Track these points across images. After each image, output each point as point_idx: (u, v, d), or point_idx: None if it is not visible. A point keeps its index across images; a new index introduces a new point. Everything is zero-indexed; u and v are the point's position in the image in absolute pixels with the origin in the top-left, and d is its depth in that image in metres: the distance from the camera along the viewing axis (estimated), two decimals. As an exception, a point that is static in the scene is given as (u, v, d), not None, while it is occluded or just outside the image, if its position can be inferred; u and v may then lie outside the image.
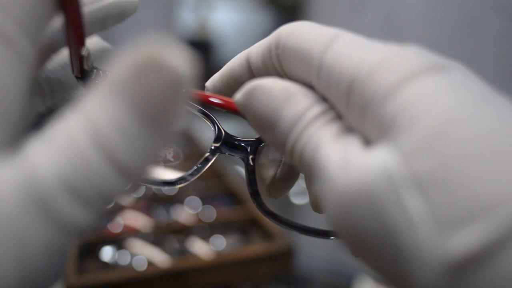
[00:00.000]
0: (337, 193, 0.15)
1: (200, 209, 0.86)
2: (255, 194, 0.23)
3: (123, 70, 0.13)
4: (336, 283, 0.77)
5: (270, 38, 0.20)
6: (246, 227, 0.81)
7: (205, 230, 0.80)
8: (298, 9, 1.43)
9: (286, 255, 0.72)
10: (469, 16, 1.08)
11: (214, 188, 0.93)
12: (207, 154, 0.23)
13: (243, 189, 0.89)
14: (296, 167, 0.19)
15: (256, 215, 0.79)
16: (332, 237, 0.22)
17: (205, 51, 2.47)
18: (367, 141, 0.16)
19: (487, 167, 0.13)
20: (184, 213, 0.85)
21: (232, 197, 0.92)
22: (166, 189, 0.88)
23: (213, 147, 0.23)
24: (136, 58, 0.13)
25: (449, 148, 0.13)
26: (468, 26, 1.08)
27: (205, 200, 0.89)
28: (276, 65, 0.20)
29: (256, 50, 0.21)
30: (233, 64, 0.22)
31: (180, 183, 0.23)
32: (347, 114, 0.17)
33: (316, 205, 0.23)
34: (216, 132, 0.23)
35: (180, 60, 0.13)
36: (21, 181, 0.12)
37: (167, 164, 0.24)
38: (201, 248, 0.75)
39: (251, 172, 0.23)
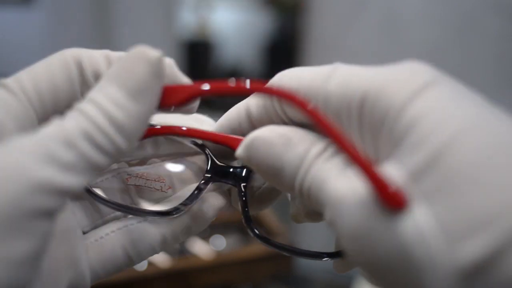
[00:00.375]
0: (352, 225, 0.16)
1: (200, 209, 0.86)
2: (247, 220, 0.24)
3: (115, 65, 0.18)
4: (336, 283, 0.77)
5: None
6: (246, 227, 0.81)
7: (205, 230, 0.80)
8: (298, 9, 1.43)
9: (286, 255, 0.72)
10: (469, 16, 1.08)
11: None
12: (201, 183, 0.24)
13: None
14: (306, 202, 0.20)
15: (256, 215, 0.79)
16: (325, 259, 0.23)
17: (205, 51, 2.47)
18: (379, 160, 0.17)
19: (488, 180, 0.14)
20: (184, 213, 0.85)
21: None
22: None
23: (205, 177, 0.24)
24: (123, 57, 0.18)
25: (453, 164, 0.15)
26: (468, 26, 1.08)
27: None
28: (278, 111, 0.21)
29: (256, 99, 0.22)
30: (230, 115, 0.23)
31: (176, 213, 0.23)
32: (360, 137, 0.18)
33: (297, 218, 0.25)
34: (209, 162, 0.24)
35: (153, 52, 0.18)
36: (50, 134, 0.16)
37: (162, 195, 0.25)
38: (201, 248, 0.75)
39: (243, 198, 0.24)
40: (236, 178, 0.24)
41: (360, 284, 0.71)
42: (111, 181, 0.24)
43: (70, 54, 0.21)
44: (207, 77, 1.91)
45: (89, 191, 0.23)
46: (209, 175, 0.24)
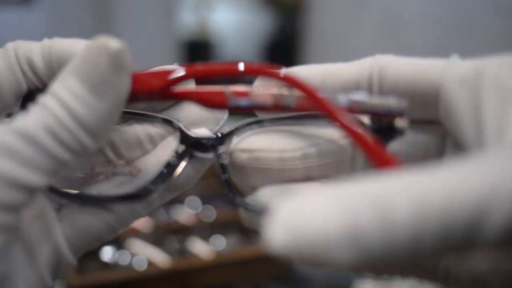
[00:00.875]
0: None
1: (200, 209, 0.86)
2: (231, 190, 0.21)
3: (77, 56, 0.17)
4: (336, 283, 0.77)
5: None
6: (246, 227, 0.81)
7: (205, 230, 0.80)
8: (298, 9, 1.43)
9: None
10: (469, 16, 1.08)
11: (214, 188, 0.93)
12: (172, 159, 0.20)
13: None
14: None
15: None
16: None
17: (205, 51, 2.47)
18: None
19: None
20: (184, 213, 0.85)
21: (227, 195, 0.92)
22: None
23: (178, 151, 0.21)
24: (85, 47, 0.17)
25: None
26: (468, 26, 1.08)
27: (205, 200, 0.89)
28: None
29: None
30: None
31: (146, 195, 0.21)
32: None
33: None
34: (180, 135, 0.21)
35: (116, 44, 0.17)
36: (12, 129, 0.16)
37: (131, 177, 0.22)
38: (201, 248, 0.75)
39: (225, 169, 0.21)
40: (214, 150, 0.21)
41: (360, 284, 0.71)
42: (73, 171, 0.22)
43: (11, 45, 0.21)
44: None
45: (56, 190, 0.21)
46: (183, 149, 0.21)
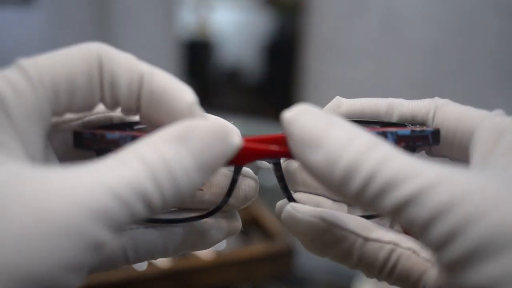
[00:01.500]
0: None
1: (200, 209, 0.86)
2: (289, 197, 0.23)
3: (193, 128, 0.17)
4: (336, 283, 0.77)
5: None
6: (246, 227, 0.81)
7: (205, 230, 0.80)
8: (298, 9, 1.43)
9: (286, 255, 0.71)
10: (469, 16, 1.08)
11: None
12: (234, 175, 0.23)
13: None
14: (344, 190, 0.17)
15: (256, 215, 0.79)
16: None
17: (205, 51, 2.47)
18: None
19: None
20: (184, 213, 0.85)
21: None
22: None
23: (236, 167, 0.22)
24: (205, 126, 0.18)
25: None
26: (468, 26, 1.08)
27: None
28: None
29: None
30: None
31: (216, 211, 0.23)
32: None
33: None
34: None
35: (237, 139, 0.18)
36: (105, 186, 0.15)
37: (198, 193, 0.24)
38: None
39: (281, 178, 0.23)
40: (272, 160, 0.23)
41: (360, 284, 0.71)
42: None
43: (95, 51, 0.19)
44: (207, 77, 1.91)
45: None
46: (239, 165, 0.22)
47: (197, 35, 2.49)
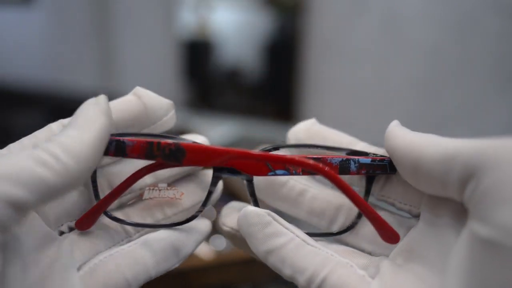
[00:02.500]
0: None
1: (200, 209, 0.86)
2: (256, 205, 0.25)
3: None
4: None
5: None
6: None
7: (205, 230, 0.80)
8: (298, 9, 1.43)
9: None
10: (469, 16, 1.08)
11: (214, 188, 0.93)
12: (211, 187, 0.25)
13: (243, 190, 0.89)
14: None
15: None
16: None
17: (205, 51, 2.47)
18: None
19: None
20: (184, 213, 0.85)
21: (232, 197, 0.92)
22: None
23: (213, 178, 0.25)
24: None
25: None
26: (468, 26, 1.08)
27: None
28: None
29: None
30: None
31: (193, 218, 0.25)
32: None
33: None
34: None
35: (100, 96, 0.22)
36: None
37: (176, 202, 0.26)
38: (201, 248, 0.75)
39: (252, 193, 0.25)
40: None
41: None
42: (128, 199, 0.26)
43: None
44: (207, 77, 1.91)
45: (110, 217, 0.24)
46: (217, 176, 0.25)
47: (197, 35, 2.49)
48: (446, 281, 0.19)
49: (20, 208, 0.17)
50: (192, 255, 0.81)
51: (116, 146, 0.23)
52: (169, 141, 0.23)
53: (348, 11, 1.25)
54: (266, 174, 0.24)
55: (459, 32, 1.10)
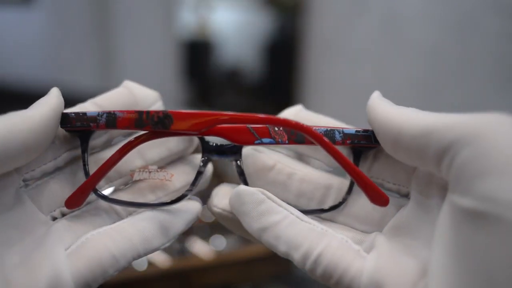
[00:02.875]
0: None
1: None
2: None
3: None
4: (336, 283, 0.77)
5: None
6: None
7: (205, 230, 0.80)
8: (298, 9, 1.43)
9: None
10: (469, 16, 1.08)
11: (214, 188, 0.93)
12: (201, 167, 0.26)
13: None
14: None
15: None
16: None
17: (205, 51, 2.47)
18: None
19: None
20: (184, 213, 0.85)
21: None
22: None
23: (203, 159, 0.26)
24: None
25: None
26: (468, 26, 1.08)
27: (205, 200, 0.89)
28: None
29: None
30: None
31: (182, 199, 0.26)
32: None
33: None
34: (203, 146, 0.26)
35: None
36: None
37: (167, 182, 0.27)
38: (201, 248, 0.75)
39: (241, 173, 0.26)
40: (232, 154, 0.26)
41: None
42: (119, 183, 0.27)
43: None
44: (207, 77, 1.90)
45: (99, 195, 0.25)
46: (206, 157, 0.26)
47: (197, 35, 2.49)
48: (432, 253, 0.19)
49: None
50: (192, 255, 0.81)
51: (107, 118, 0.23)
52: (157, 109, 0.23)
53: (348, 11, 1.25)
54: (253, 143, 0.24)
55: (459, 32, 1.10)
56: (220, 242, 0.78)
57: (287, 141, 0.24)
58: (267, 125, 0.24)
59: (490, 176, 0.17)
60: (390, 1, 1.18)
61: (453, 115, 0.20)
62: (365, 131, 0.25)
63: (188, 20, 1.80)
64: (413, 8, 1.15)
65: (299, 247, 0.21)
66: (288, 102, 1.48)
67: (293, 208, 0.24)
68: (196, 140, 0.28)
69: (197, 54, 2.32)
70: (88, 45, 1.66)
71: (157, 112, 0.22)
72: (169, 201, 0.25)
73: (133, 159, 0.26)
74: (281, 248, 0.22)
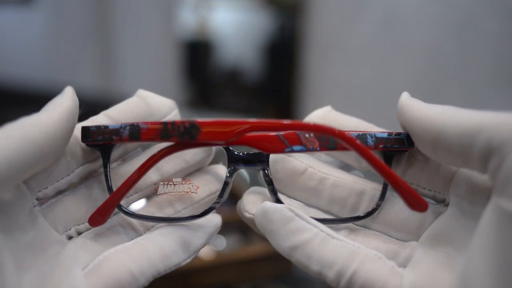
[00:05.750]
0: None
1: (200, 209, 0.86)
2: (277, 200, 0.25)
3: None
4: (336, 283, 0.77)
5: None
6: (246, 227, 0.81)
7: (205, 230, 0.80)
8: (298, 9, 1.43)
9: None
10: (469, 16, 1.08)
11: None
12: (227, 177, 0.25)
13: (243, 190, 0.89)
14: None
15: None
16: None
17: (205, 51, 2.47)
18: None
19: None
20: (184, 213, 0.85)
21: (232, 197, 0.92)
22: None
23: (230, 169, 0.25)
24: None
25: None
26: (468, 26, 1.08)
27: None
28: None
29: None
30: None
31: (210, 211, 0.25)
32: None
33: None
34: (228, 156, 0.25)
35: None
36: None
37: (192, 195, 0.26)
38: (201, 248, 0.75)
39: (269, 182, 0.25)
40: (259, 162, 0.25)
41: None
42: (135, 199, 0.26)
43: None
44: (207, 77, 1.90)
45: (123, 211, 0.24)
46: (232, 167, 0.25)
47: (197, 35, 2.49)
48: (472, 257, 0.18)
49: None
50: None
51: (130, 130, 0.22)
52: (183, 119, 0.22)
53: (348, 11, 1.25)
54: (283, 151, 0.23)
55: (459, 32, 1.10)
56: (220, 242, 0.78)
57: (318, 148, 0.23)
58: (297, 132, 0.23)
59: None
60: (390, 1, 1.18)
61: (503, 113, 0.18)
62: (397, 134, 0.24)
63: (188, 20, 1.80)
64: (413, 8, 1.15)
65: (333, 265, 0.21)
66: (288, 102, 1.48)
67: (322, 225, 0.23)
68: (213, 150, 0.27)
69: (197, 54, 2.32)
70: (88, 45, 1.66)
71: (183, 122, 0.21)
72: (198, 214, 0.24)
73: (149, 173, 0.25)
74: (314, 267, 0.21)
